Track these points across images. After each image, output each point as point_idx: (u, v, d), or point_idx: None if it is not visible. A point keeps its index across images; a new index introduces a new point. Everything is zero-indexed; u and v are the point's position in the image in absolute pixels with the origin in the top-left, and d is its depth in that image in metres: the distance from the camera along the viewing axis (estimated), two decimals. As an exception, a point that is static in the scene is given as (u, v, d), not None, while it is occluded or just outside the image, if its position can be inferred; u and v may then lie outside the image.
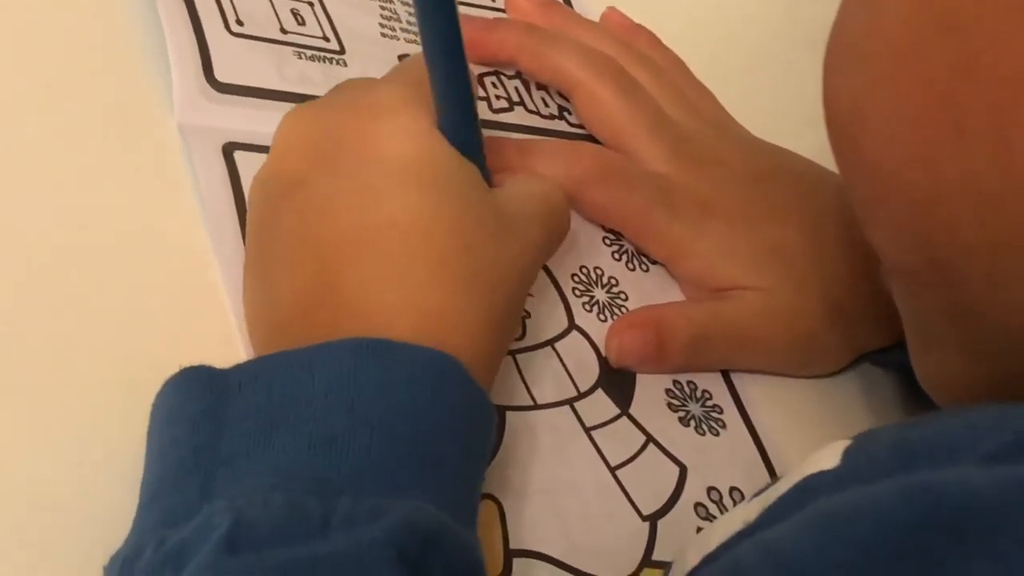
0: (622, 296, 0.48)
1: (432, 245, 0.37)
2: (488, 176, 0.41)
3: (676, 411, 0.45)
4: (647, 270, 0.50)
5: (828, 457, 0.28)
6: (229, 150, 0.43)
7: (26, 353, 0.37)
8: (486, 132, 0.49)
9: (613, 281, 0.48)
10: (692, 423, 0.45)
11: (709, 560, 0.29)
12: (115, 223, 0.41)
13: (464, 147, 0.40)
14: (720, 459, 0.45)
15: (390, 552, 0.30)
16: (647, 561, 0.41)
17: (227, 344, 0.39)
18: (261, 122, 0.43)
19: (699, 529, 0.42)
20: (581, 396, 0.44)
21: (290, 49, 0.47)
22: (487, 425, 0.37)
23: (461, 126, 0.40)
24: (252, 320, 0.39)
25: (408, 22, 0.52)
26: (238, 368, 0.34)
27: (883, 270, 0.40)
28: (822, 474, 0.28)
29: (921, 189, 0.34)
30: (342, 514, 0.30)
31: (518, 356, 0.44)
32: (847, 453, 0.28)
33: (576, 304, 0.47)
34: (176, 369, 0.34)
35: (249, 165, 0.42)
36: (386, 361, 0.34)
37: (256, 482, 0.32)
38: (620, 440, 0.43)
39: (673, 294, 0.49)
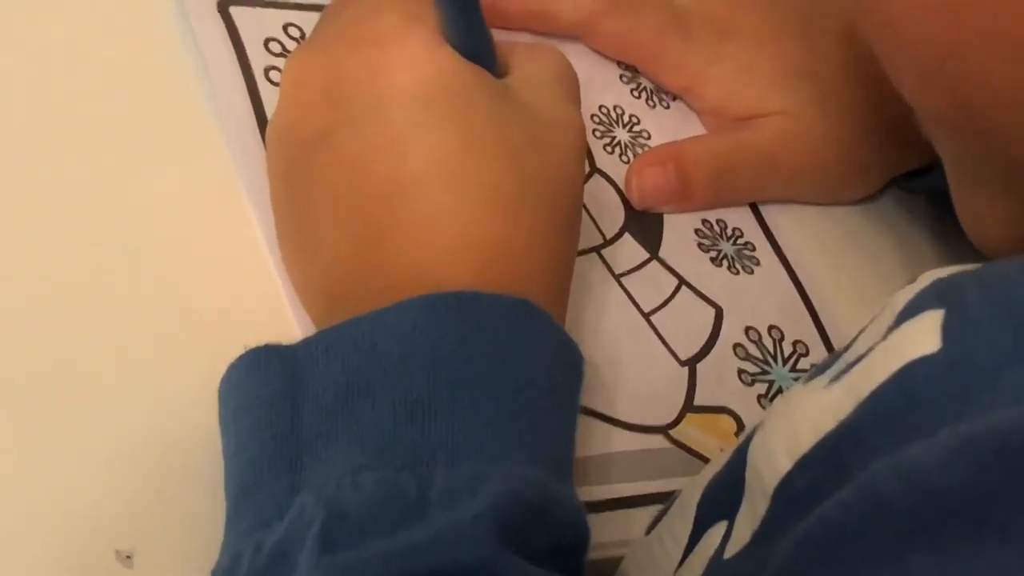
0: (644, 135, 0.46)
1: (472, 176, 0.34)
2: (495, 68, 0.38)
3: (707, 251, 0.44)
4: (668, 107, 0.48)
5: (925, 336, 0.25)
6: (224, 6, 0.41)
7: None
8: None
9: (634, 119, 0.46)
10: (725, 263, 0.44)
11: (808, 464, 0.26)
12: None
13: (473, 52, 0.36)
14: (756, 297, 0.43)
15: (494, 528, 0.28)
16: (689, 406, 0.40)
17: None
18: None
19: (740, 372, 0.41)
20: (608, 243, 0.43)
21: None
22: (576, 369, 0.34)
23: (468, 31, 0.37)
24: (305, 291, 0.37)
25: None
26: (306, 343, 0.32)
27: (917, 118, 0.38)
28: (924, 361, 0.24)
29: (944, 40, 0.33)
30: (440, 488, 0.28)
31: (541, 205, 0.42)
32: (946, 329, 0.24)
33: (597, 146, 0.45)
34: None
35: (246, 20, 0.41)
36: (463, 314, 0.32)
37: (344, 463, 0.29)
38: (652, 285, 0.42)
39: (697, 129, 0.47)
